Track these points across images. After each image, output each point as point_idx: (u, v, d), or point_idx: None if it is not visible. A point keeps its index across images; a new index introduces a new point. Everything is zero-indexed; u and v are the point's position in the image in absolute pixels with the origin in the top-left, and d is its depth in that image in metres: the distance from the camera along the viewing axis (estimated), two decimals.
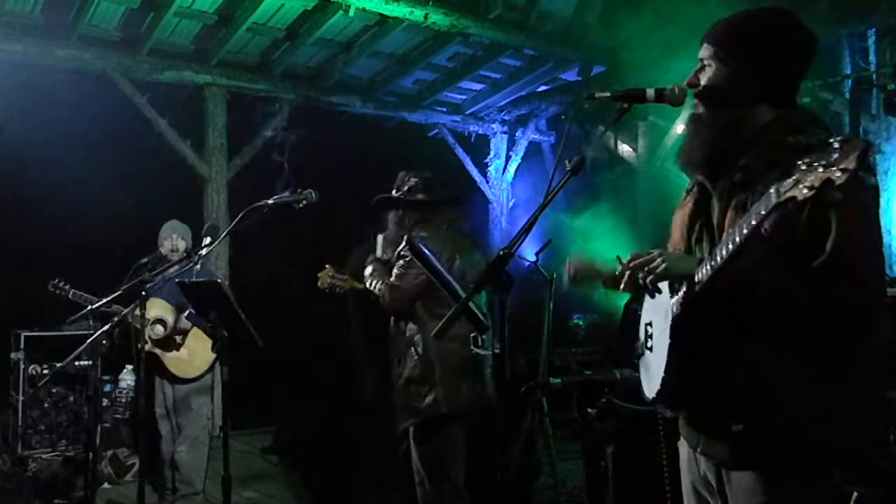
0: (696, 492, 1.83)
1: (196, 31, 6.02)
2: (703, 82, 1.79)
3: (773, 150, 1.68)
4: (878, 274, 1.62)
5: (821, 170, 1.52)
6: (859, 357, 1.63)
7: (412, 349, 3.26)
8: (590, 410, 3.51)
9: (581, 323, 7.30)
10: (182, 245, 4.87)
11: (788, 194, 1.49)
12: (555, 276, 3.78)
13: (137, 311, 3.32)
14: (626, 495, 3.35)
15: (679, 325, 1.69)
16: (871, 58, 7.20)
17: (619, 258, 1.83)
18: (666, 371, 1.71)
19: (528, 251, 3.74)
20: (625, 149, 7.64)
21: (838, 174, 1.52)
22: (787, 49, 1.75)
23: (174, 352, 4.71)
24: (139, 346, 3.47)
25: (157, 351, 4.66)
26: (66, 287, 4.59)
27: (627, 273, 1.74)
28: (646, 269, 1.69)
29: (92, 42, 5.91)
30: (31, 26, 5.64)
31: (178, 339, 4.73)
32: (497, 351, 1.88)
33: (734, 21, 1.79)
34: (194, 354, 4.70)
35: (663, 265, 1.67)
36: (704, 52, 1.81)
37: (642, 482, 3.13)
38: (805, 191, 1.61)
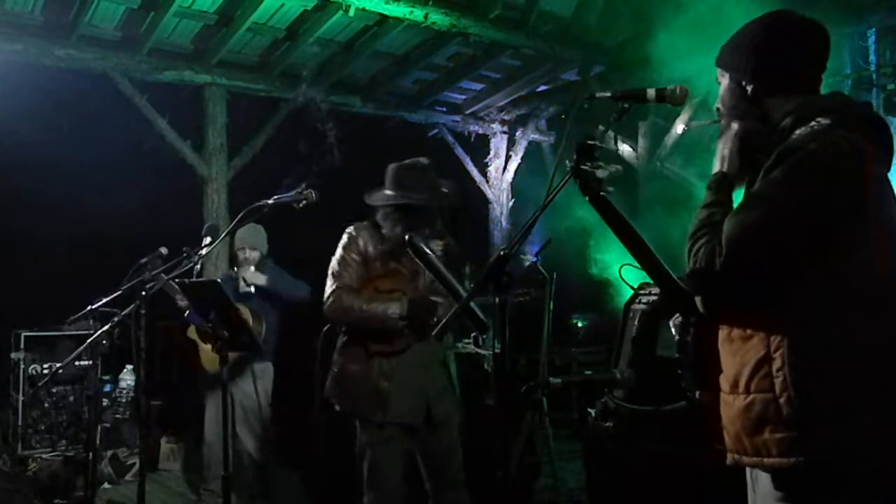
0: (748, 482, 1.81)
1: (196, 31, 6.01)
2: (718, 103, 1.89)
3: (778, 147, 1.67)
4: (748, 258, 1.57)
5: None
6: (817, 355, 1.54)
7: None
8: (590, 410, 3.51)
9: (581, 323, 7.29)
10: (255, 256, 4.68)
11: None
12: (554, 275, 3.77)
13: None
14: (625, 495, 3.35)
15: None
16: (871, 58, 7.19)
17: None
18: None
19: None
20: (625, 149, 7.63)
21: None
22: (778, 43, 1.81)
23: (209, 344, 4.69)
24: (140, 345, 3.46)
25: (197, 340, 4.61)
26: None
27: None
28: None
29: (92, 42, 5.90)
30: (31, 26, 5.63)
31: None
32: (497, 351, 1.89)
33: (731, 38, 1.87)
34: None
35: None
36: (718, 75, 1.89)
37: (642, 482, 3.13)
38: None
